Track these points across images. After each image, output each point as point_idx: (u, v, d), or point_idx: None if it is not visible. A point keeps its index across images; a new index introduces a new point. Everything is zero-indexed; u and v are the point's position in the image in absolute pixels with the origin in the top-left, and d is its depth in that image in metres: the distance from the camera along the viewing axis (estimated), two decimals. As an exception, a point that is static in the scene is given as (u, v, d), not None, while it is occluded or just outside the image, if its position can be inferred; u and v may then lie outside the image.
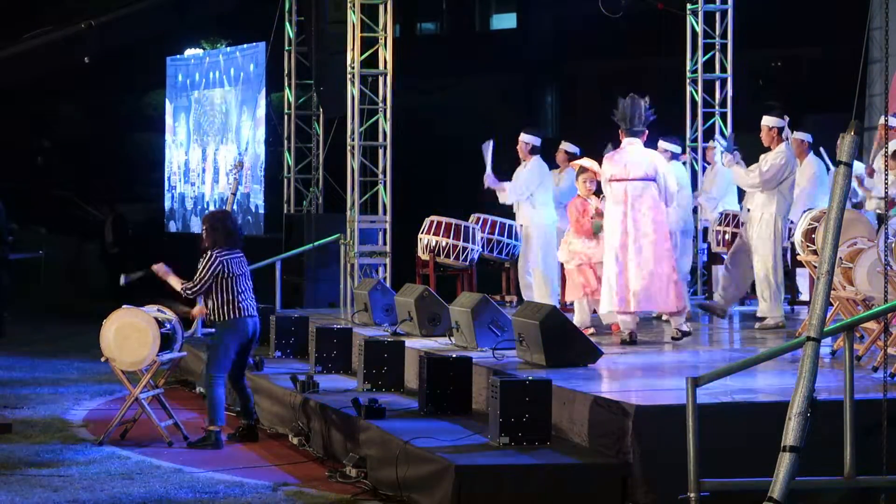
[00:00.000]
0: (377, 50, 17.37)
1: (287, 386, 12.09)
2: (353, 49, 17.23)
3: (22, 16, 25.06)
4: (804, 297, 15.21)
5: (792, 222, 13.84)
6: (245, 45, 22.24)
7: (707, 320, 14.88)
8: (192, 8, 23.29)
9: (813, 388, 7.62)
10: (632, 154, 12.54)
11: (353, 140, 17.31)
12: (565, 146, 16.43)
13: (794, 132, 15.45)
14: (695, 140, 18.87)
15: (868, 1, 16.72)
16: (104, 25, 20.03)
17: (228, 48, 23.93)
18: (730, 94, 19.13)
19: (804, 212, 12.93)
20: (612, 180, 12.53)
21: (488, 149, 15.70)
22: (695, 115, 19.05)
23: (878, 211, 12.63)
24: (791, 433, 7.53)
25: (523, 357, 11.41)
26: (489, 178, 15.67)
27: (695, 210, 16.82)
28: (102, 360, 11.78)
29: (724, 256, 14.84)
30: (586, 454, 9.17)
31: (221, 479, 10.09)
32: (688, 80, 19.20)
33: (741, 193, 15.81)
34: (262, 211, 21.65)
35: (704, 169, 18.08)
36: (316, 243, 18.53)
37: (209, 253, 11.46)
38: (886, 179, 8.78)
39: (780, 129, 13.81)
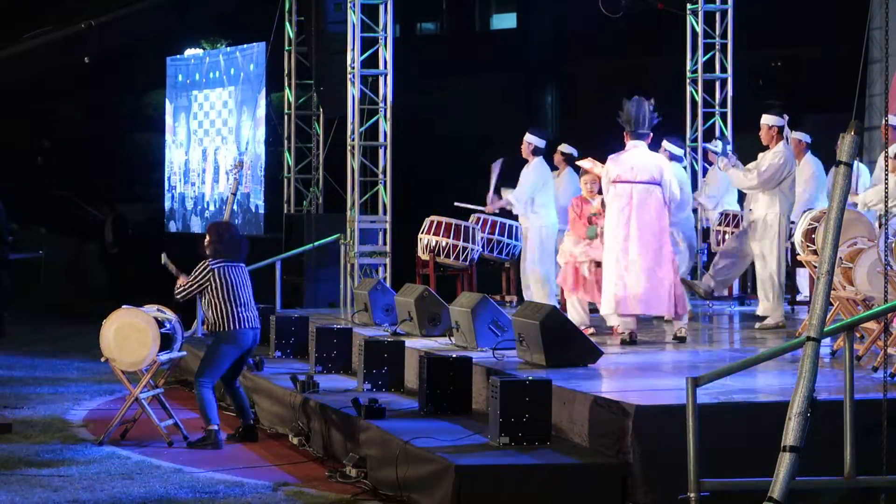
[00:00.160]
0: (377, 50, 17.37)
1: (287, 386, 12.09)
2: (353, 49, 17.24)
3: (22, 16, 25.05)
4: (803, 297, 15.21)
5: (792, 222, 13.83)
6: (245, 45, 22.23)
7: (707, 321, 14.88)
8: (192, 8, 23.29)
9: (813, 388, 7.62)
10: (638, 157, 12.54)
11: (353, 140, 17.31)
12: (563, 148, 16.43)
13: (793, 132, 15.45)
14: (695, 140, 18.87)
15: (868, 1, 16.71)
16: (104, 25, 20.03)
17: (228, 48, 23.92)
18: (730, 94, 19.13)
19: (804, 212, 12.93)
20: (618, 182, 12.51)
21: (496, 168, 15.69)
22: (695, 115, 19.06)
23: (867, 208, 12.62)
24: (791, 433, 7.53)
25: (523, 357, 11.41)
26: (491, 202, 15.71)
27: (695, 210, 16.82)
28: (102, 360, 11.78)
29: (726, 246, 14.80)
30: (586, 454, 9.17)
31: (221, 479, 10.09)
32: (688, 80, 19.20)
33: (741, 194, 15.80)
34: (262, 211, 21.64)
35: (706, 170, 18.06)
36: (316, 243, 18.52)
37: (204, 262, 11.47)
38: (886, 179, 8.78)
39: (780, 129, 13.81)
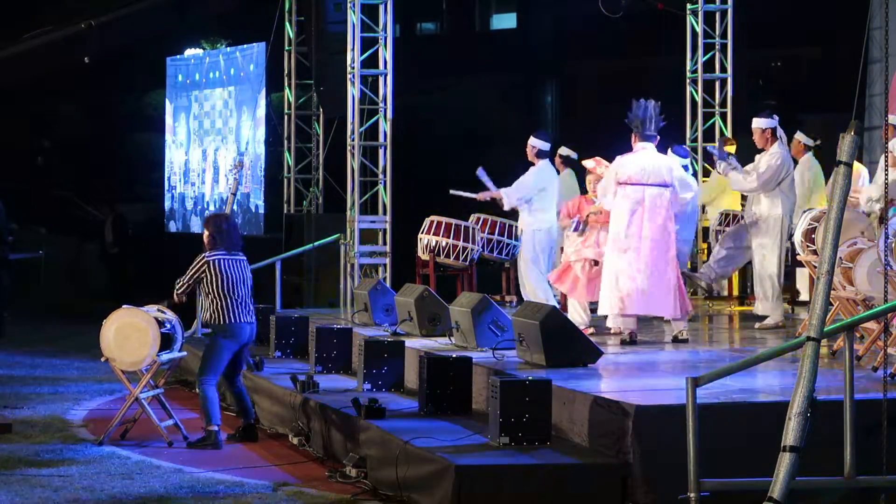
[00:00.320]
0: (377, 50, 17.37)
1: (287, 386, 12.09)
2: (353, 49, 17.24)
3: (22, 16, 25.06)
4: (803, 297, 15.22)
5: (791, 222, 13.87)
6: (245, 45, 22.24)
7: (709, 321, 14.88)
8: (192, 8, 23.30)
9: (813, 388, 7.62)
10: (649, 159, 12.55)
11: (353, 140, 17.31)
12: (562, 150, 16.42)
13: (799, 132, 15.49)
14: (695, 140, 18.87)
15: (868, 1, 16.72)
16: (104, 25, 20.02)
17: (228, 48, 23.92)
18: (730, 94, 19.14)
19: (804, 212, 12.94)
20: (629, 183, 12.50)
21: (482, 175, 15.69)
22: (695, 116, 19.06)
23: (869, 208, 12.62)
24: (791, 433, 7.53)
25: (523, 357, 11.41)
26: (487, 192, 15.67)
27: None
28: (102, 360, 11.78)
29: (723, 241, 14.81)
30: (586, 454, 9.17)
31: (221, 479, 10.09)
32: (688, 80, 19.21)
33: (743, 195, 15.79)
34: (262, 211, 21.65)
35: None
36: (316, 243, 18.52)
37: (202, 255, 11.46)
38: (886, 179, 8.78)
39: (773, 130, 13.83)
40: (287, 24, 21.30)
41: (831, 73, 22.78)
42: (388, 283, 16.51)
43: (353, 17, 17.20)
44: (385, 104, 17.48)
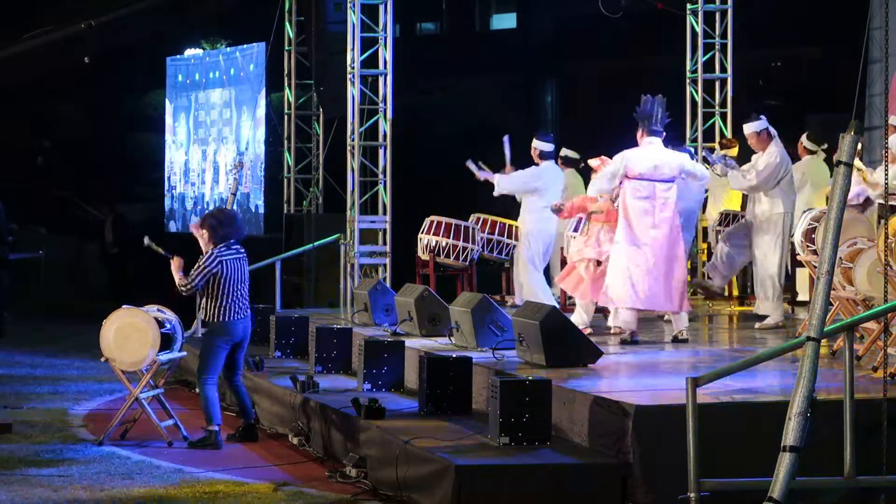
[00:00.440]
0: (377, 50, 17.37)
1: (287, 386, 12.09)
2: (353, 49, 17.24)
3: (22, 16, 25.05)
4: (803, 297, 15.22)
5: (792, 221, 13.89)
6: (245, 45, 22.24)
7: (709, 321, 14.88)
8: (192, 8, 23.30)
9: (813, 388, 7.62)
10: (659, 154, 12.57)
11: (353, 140, 17.31)
12: (563, 152, 16.41)
13: (804, 137, 15.49)
14: (695, 140, 18.87)
15: (868, 1, 16.72)
16: (104, 25, 20.02)
17: (228, 48, 23.92)
18: (730, 94, 19.14)
19: (804, 212, 12.94)
20: (641, 178, 12.50)
21: (506, 143, 15.63)
22: (695, 115, 19.06)
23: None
24: (791, 433, 7.53)
25: (523, 357, 11.41)
26: (483, 172, 15.63)
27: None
28: (102, 360, 11.78)
29: (722, 241, 14.81)
30: (586, 454, 9.17)
31: (221, 479, 10.09)
32: (688, 80, 19.21)
33: (744, 196, 15.79)
34: (262, 211, 21.64)
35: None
36: (316, 243, 18.52)
37: (211, 251, 11.43)
38: (886, 178, 8.78)
39: (766, 131, 13.85)
40: (287, 24, 21.29)
41: (831, 73, 22.76)
42: (388, 283, 16.51)
43: (353, 17, 17.20)
44: (385, 104, 17.47)
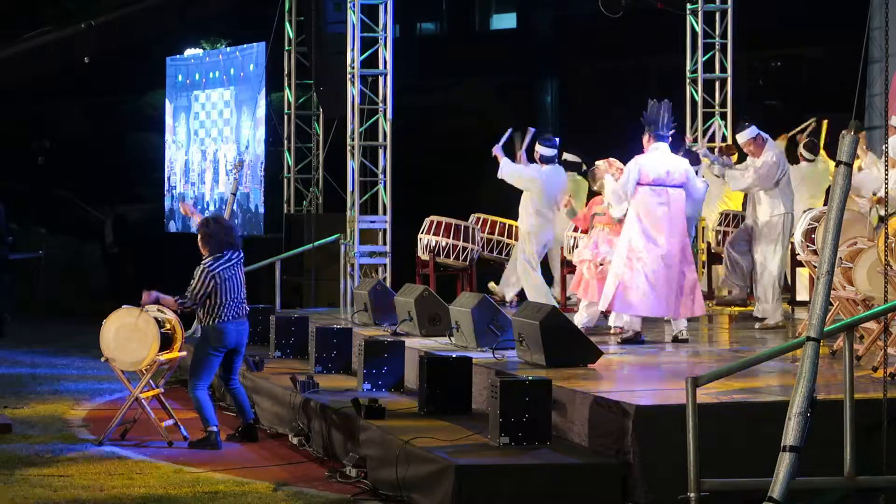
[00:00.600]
0: (377, 50, 17.38)
1: (287, 386, 12.09)
2: (353, 49, 17.24)
3: (22, 16, 25.05)
4: (802, 297, 15.23)
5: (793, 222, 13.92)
6: (245, 45, 22.23)
7: (709, 321, 14.88)
8: (192, 8, 23.29)
9: (813, 388, 7.62)
10: (668, 160, 12.59)
11: (353, 140, 17.32)
12: (565, 156, 16.43)
13: (801, 147, 15.49)
14: (695, 140, 18.87)
15: (868, 1, 16.72)
16: (104, 25, 20.02)
17: (228, 48, 23.91)
18: (730, 94, 19.15)
19: (804, 212, 12.96)
20: (654, 184, 12.49)
21: (528, 135, 15.62)
22: (695, 115, 19.06)
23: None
24: (791, 433, 7.53)
25: (523, 357, 11.41)
26: (498, 147, 15.52)
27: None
28: (102, 360, 11.78)
29: (728, 249, 14.83)
30: (586, 454, 9.17)
31: (221, 479, 10.09)
32: (688, 80, 19.21)
33: (744, 199, 15.80)
34: (262, 211, 21.63)
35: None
36: (316, 243, 18.53)
37: (201, 267, 11.36)
38: (886, 179, 8.78)
39: (759, 136, 13.90)
40: (287, 24, 21.30)
41: (831, 73, 22.77)
42: (388, 283, 16.52)
43: (353, 17, 17.21)
44: (385, 104, 17.48)
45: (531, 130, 15.56)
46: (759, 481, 7.74)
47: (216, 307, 11.31)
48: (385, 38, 17.40)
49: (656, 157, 12.55)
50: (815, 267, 9.20)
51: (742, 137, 14.00)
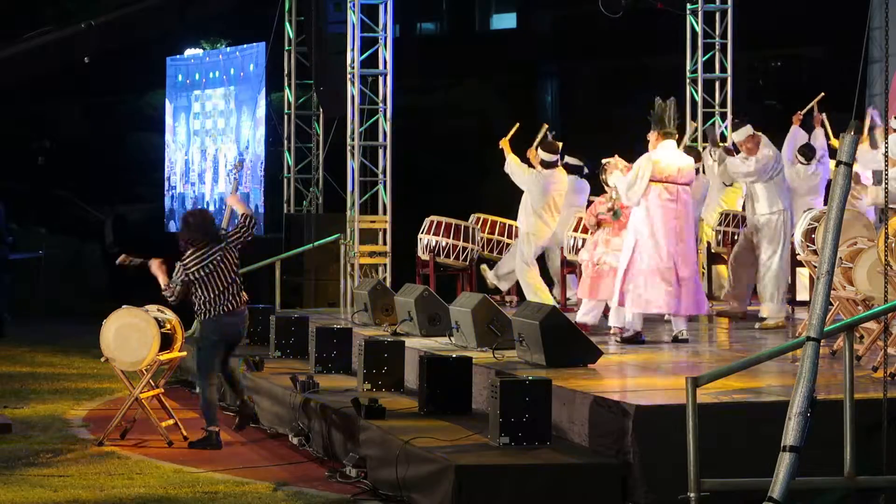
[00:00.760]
0: (377, 50, 17.38)
1: (287, 386, 12.09)
2: (353, 49, 17.24)
3: (22, 16, 25.05)
4: (802, 297, 15.23)
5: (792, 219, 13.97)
6: (245, 45, 22.25)
7: (709, 321, 14.88)
8: (192, 8, 23.29)
9: (813, 388, 7.62)
10: (678, 158, 12.64)
11: (353, 140, 17.32)
12: (567, 159, 16.42)
13: (797, 153, 15.49)
14: (695, 140, 18.87)
15: (868, 1, 16.72)
16: (104, 25, 20.02)
17: (228, 48, 23.93)
18: (730, 94, 19.15)
19: (804, 212, 12.96)
20: (666, 181, 12.51)
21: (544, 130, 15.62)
22: (695, 115, 19.06)
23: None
24: (791, 433, 7.53)
25: (523, 357, 11.41)
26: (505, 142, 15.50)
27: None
28: (102, 360, 11.78)
29: (728, 259, 14.88)
30: (586, 454, 9.17)
31: (221, 479, 10.09)
32: (688, 80, 19.21)
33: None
34: (262, 211, 21.65)
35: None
36: (316, 243, 18.53)
37: (178, 263, 11.35)
38: (886, 179, 8.78)
39: (755, 134, 13.95)
40: (287, 24, 21.30)
41: (831, 73, 22.75)
42: (388, 283, 16.52)
43: (353, 17, 17.21)
44: (385, 104, 17.48)
45: (546, 127, 15.55)
46: (759, 481, 7.73)
47: (206, 302, 11.27)
48: (385, 38, 17.40)
49: (668, 155, 12.59)
50: (815, 267, 9.20)
51: (739, 135, 14.06)
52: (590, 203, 15.13)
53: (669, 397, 9.23)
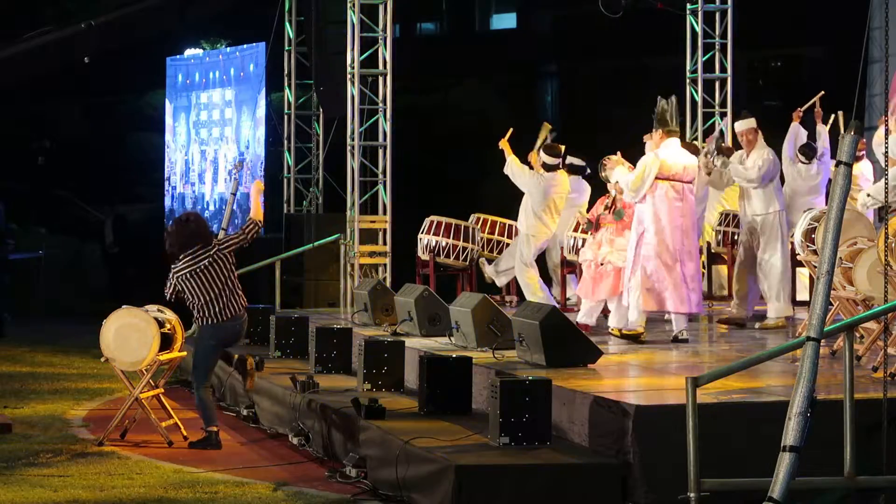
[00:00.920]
0: (377, 50, 17.38)
1: (287, 386, 12.09)
2: (353, 49, 17.24)
3: (22, 16, 25.05)
4: (802, 297, 15.23)
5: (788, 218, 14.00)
6: (245, 45, 22.25)
7: (709, 321, 14.88)
8: (192, 8, 23.30)
9: (813, 388, 7.61)
10: (682, 156, 12.68)
11: (353, 140, 17.32)
12: (569, 160, 16.41)
13: (798, 152, 15.50)
14: (695, 140, 18.87)
15: (868, 1, 16.72)
16: (104, 25, 20.02)
17: (228, 48, 23.93)
18: (730, 94, 19.15)
19: (804, 212, 12.97)
20: (672, 179, 12.54)
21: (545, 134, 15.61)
22: (695, 115, 19.06)
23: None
24: (791, 433, 7.53)
25: (523, 357, 11.41)
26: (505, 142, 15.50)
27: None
28: (102, 360, 11.78)
29: (728, 259, 14.89)
30: (586, 454, 9.17)
31: (221, 479, 10.09)
32: (688, 80, 19.21)
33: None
34: (262, 210, 21.62)
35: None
36: (316, 243, 18.53)
37: (171, 268, 11.35)
38: (886, 178, 8.78)
39: (756, 128, 13.99)
40: (287, 24, 21.30)
41: (831, 73, 22.75)
42: (388, 283, 16.51)
43: (353, 17, 17.21)
44: (385, 104, 17.49)
45: (546, 125, 15.55)
46: (759, 481, 7.73)
47: (200, 307, 11.27)
48: (385, 38, 17.40)
49: (673, 153, 12.62)
50: (815, 267, 9.20)
51: (742, 125, 14.10)
52: (591, 204, 15.13)
53: (669, 397, 9.23)
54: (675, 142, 12.70)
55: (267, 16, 20.82)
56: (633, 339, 12.67)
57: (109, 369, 12.15)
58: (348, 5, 17.37)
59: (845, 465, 8.20)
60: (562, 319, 11.31)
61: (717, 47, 19.10)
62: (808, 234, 12.15)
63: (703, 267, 16.96)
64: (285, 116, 21.65)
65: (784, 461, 7.51)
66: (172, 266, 11.31)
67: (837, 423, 8.22)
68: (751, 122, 14.07)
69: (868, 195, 12.53)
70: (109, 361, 11.73)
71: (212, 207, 22.78)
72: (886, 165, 9.10)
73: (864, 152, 15.32)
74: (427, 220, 16.50)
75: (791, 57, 30.31)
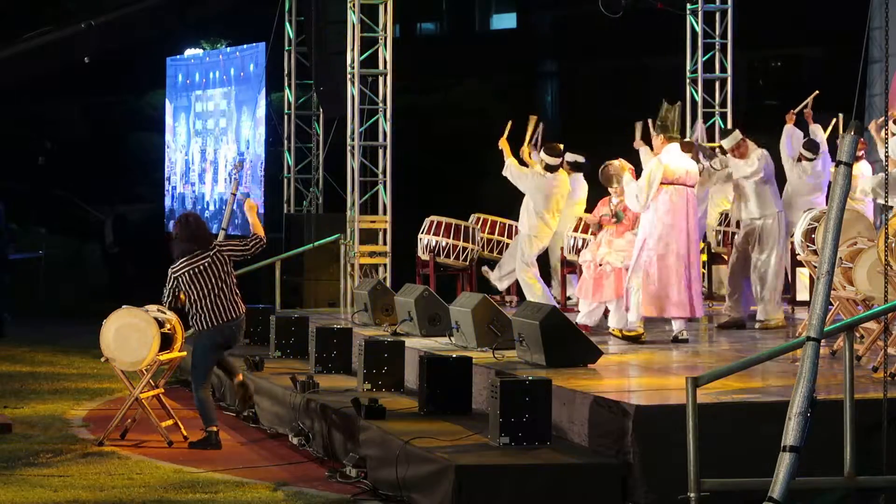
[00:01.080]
0: (377, 50, 17.38)
1: (287, 386, 12.09)
2: (353, 49, 17.24)
3: (22, 16, 25.05)
4: (802, 297, 15.23)
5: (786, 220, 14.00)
6: (245, 45, 22.24)
7: (709, 321, 14.89)
8: (192, 8, 23.29)
9: (813, 388, 7.61)
10: (685, 161, 12.72)
11: (353, 140, 17.32)
12: (568, 156, 16.40)
13: (802, 148, 15.51)
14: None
15: (868, 1, 16.72)
16: (104, 25, 20.02)
17: (228, 48, 23.93)
18: (730, 94, 19.15)
19: (804, 212, 12.97)
20: (675, 183, 12.54)
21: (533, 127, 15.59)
22: (695, 116, 19.06)
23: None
24: (791, 433, 7.53)
25: (523, 357, 11.41)
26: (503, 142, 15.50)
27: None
28: (102, 360, 11.78)
29: (728, 265, 14.87)
30: (586, 454, 9.17)
31: (221, 479, 10.09)
32: (688, 80, 19.21)
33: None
34: (262, 211, 21.64)
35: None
36: (316, 243, 18.53)
37: (170, 268, 11.36)
38: (886, 178, 8.79)
39: (743, 139, 14.03)
40: (287, 24, 21.30)
41: (831, 73, 22.75)
42: (388, 283, 16.51)
43: (353, 17, 17.21)
44: (385, 104, 17.48)
45: (536, 121, 15.53)
46: (759, 481, 7.74)
47: (198, 309, 11.26)
48: (385, 38, 17.40)
49: (675, 158, 12.63)
50: (815, 267, 9.20)
51: (729, 142, 14.16)
52: (590, 204, 15.14)
53: (669, 397, 9.23)
54: (675, 147, 12.71)
55: (267, 16, 20.81)
56: (633, 340, 12.68)
57: (109, 369, 12.15)
58: (348, 5, 17.36)
59: (845, 465, 8.20)
60: (562, 319, 11.31)
61: (717, 47, 19.09)
62: (809, 234, 12.15)
63: (704, 267, 16.98)
64: (285, 116, 21.65)
65: (784, 461, 7.51)
66: (171, 266, 11.31)
67: (837, 423, 8.23)
68: (736, 136, 14.13)
69: (863, 190, 12.58)
70: (109, 361, 11.73)
71: (212, 207, 22.78)
72: (887, 166, 9.10)
73: (863, 152, 15.31)
74: (427, 220, 16.50)
75: (791, 57, 30.32)
